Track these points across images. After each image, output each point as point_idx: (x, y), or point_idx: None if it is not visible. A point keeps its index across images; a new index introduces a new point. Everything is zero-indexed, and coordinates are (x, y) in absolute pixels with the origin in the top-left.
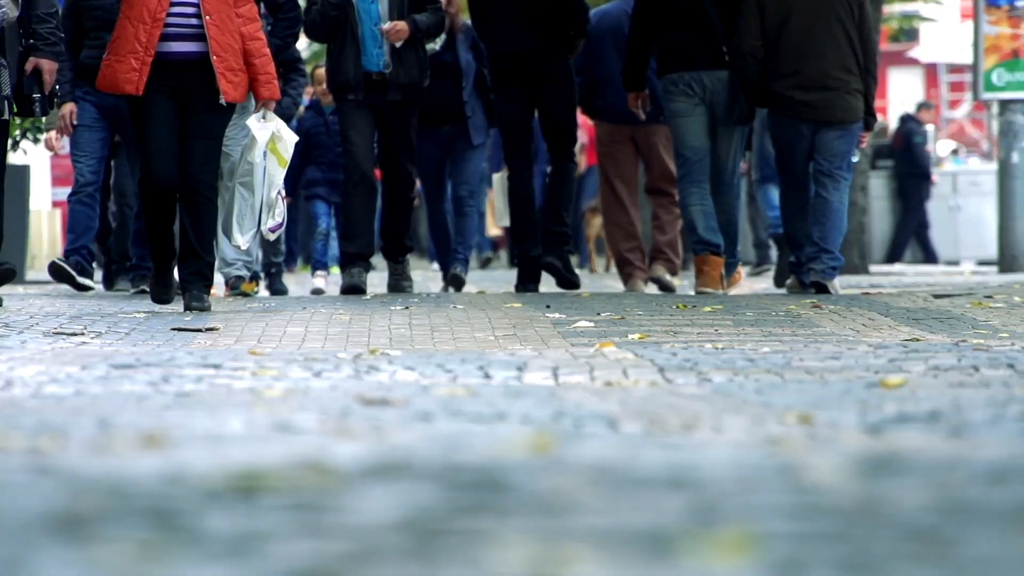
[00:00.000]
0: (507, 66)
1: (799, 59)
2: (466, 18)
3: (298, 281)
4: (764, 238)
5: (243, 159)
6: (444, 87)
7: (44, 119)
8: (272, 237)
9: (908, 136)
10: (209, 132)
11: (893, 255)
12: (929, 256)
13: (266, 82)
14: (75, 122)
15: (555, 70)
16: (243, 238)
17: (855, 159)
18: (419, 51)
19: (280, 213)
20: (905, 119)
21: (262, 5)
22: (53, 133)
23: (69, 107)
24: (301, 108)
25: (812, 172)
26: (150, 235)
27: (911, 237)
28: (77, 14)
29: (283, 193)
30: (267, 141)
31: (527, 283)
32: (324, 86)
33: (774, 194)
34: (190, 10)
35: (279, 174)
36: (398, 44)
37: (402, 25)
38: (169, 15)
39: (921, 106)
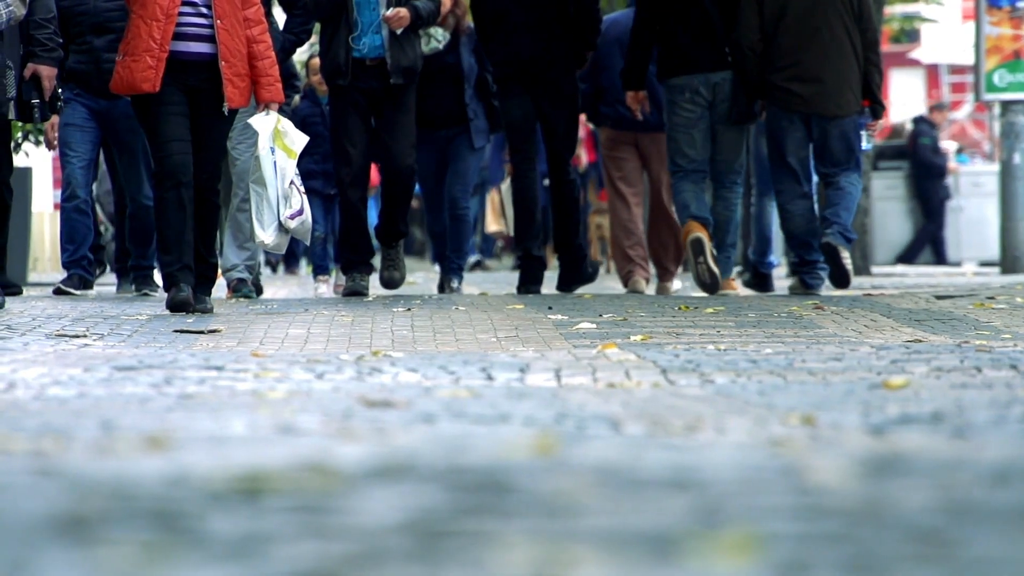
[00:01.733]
0: (512, 72)
1: (796, 51)
2: (471, 21)
3: (301, 283)
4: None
5: (253, 158)
6: (445, 89)
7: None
8: (292, 225)
9: (915, 137)
10: (215, 135)
11: (908, 255)
12: (941, 259)
13: (268, 84)
14: (57, 133)
15: (561, 83)
16: (266, 233)
17: (867, 146)
18: (416, 36)
19: (297, 202)
20: (917, 120)
21: (275, 2)
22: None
23: (52, 120)
24: (296, 98)
25: (819, 173)
26: (164, 240)
27: (927, 241)
28: (62, 20)
29: (299, 185)
30: (272, 132)
31: (529, 284)
32: (320, 76)
33: (771, 212)
34: (202, 10)
35: (290, 165)
36: (399, 31)
37: (404, 12)
38: (181, 14)
39: (934, 108)
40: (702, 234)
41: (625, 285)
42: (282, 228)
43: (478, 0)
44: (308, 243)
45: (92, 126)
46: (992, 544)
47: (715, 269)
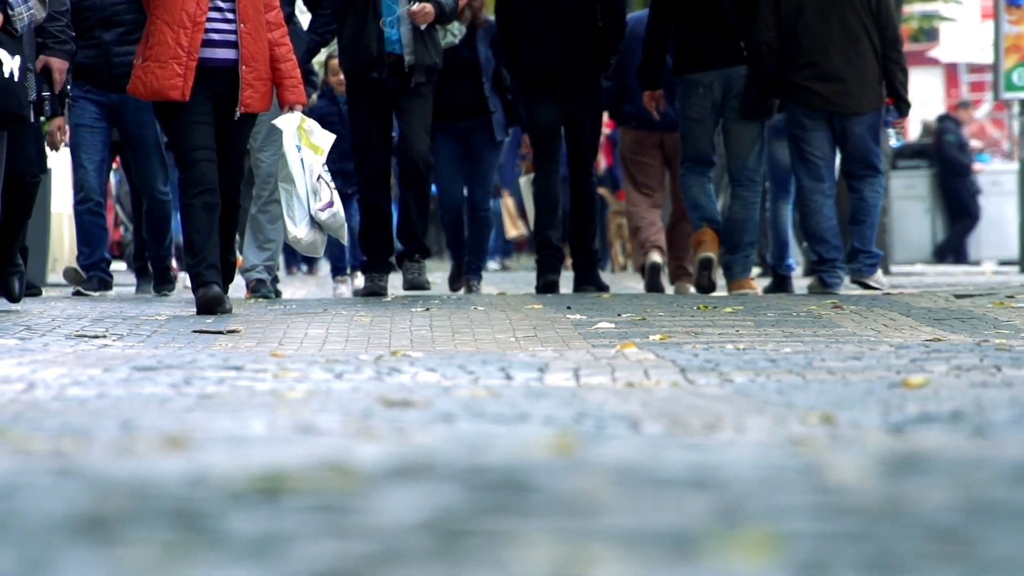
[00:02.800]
0: (538, 78)
1: (815, 50)
2: (489, 15)
3: (320, 283)
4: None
5: (279, 159)
6: (461, 82)
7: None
8: (323, 217)
9: (940, 135)
10: (238, 138)
11: (942, 252)
12: (961, 258)
13: (291, 87)
14: (66, 137)
15: (587, 87)
16: (298, 228)
17: (897, 143)
18: (436, 33)
19: (327, 195)
20: (942, 118)
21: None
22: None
23: (57, 122)
24: (314, 96)
25: (844, 172)
26: (192, 244)
27: (964, 237)
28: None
29: (328, 180)
30: (296, 130)
31: (547, 274)
32: (340, 77)
33: (787, 215)
34: (228, 15)
35: (317, 162)
36: (422, 26)
37: (429, 7)
38: (208, 20)
39: (959, 105)
40: (712, 254)
41: (642, 274)
42: (314, 223)
43: (503, 5)
44: (344, 240)
45: (102, 126)
46: (1012, 543)
47: (715, 281)
